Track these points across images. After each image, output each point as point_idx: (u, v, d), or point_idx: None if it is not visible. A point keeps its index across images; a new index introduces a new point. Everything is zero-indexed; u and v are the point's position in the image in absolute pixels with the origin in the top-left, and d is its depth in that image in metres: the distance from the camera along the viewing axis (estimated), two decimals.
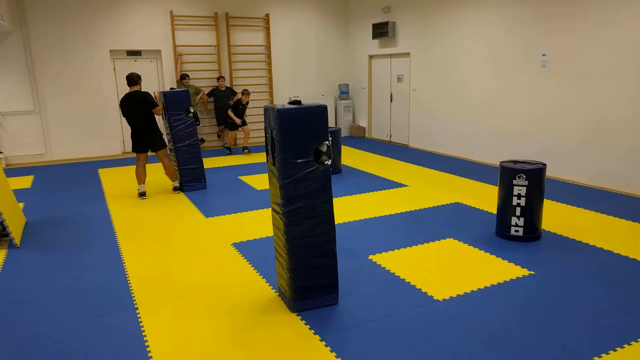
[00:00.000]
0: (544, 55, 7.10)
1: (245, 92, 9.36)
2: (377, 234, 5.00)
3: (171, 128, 6.76)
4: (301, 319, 3.33)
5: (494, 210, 5.29)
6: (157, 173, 7.89)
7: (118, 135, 9.92)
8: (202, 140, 10.00)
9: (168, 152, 6.88)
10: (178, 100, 6.75)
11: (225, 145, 10.46)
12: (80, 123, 9.54)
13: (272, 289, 3.82)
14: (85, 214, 5.95)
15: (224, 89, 10.10)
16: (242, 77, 10.72)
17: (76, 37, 9.24)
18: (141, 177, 6.59)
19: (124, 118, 6.44)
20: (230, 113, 9.36)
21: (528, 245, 4.59)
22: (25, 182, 7.76)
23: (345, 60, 11.92)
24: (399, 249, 4.57)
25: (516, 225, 4.64)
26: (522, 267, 4.09)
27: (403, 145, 10.42)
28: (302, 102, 3.28)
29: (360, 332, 3.16)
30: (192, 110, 6.86)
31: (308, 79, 11.55)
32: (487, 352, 2.91)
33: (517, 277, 3.90)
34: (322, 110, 3.23)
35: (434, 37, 9.16)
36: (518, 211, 4.59)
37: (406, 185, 6.97)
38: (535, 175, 4.52)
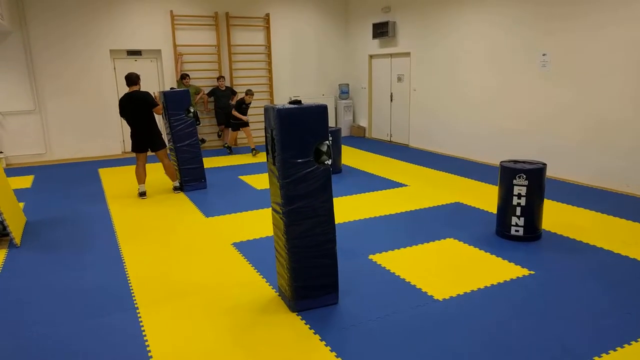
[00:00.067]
0: (544, 55, 7.10)
1: (249, 92, 9.34)
2: (377, 234, 5.00)
3: (171, 128, 6.76)
4: (301, 319, 3.33)
5: (494, 210, 5.29)
6: (157, 173, 7.89)
7: (118, 135, 9.92)
8: (203, 140, 10.00)
9: (168, 152, 6.88)
10: (178, 100, 6.75)
11: (226, 145, 10.46)
12: (81, 123, 9.54)
13: (272, 288, 3.82)
14: (85, 214, 5.95)
15: (224, 88, 10.10)
16: (242, 76, 10.72)
17: (76, 37, 9.24)
18: (141, 177, 6.59)
19: (123, 118, 6.43)
20: (235, 113, 9.30)
21: (528, 245, 4.59)
22: (25, 181, 7.76)
23: (345, 60, 11.92)
24: (399, 248, 4.57)
25: (516, 225, 4.64)
26: (522, 267, 4.09)
27: (403, 145, 10.42)
28: (302, 101, 3.28)
29: (361, 331, 3.16)
30: (192, 110, 6.86)
31: (308, 78, 11.55)
32: (487, 352, 2.91)
33: (517, 277, 3.90)
34: (322, 110, 3.23)
35: (434, 37, 9.16)
36: (518, 211, 4.59)
37: (406, 185, 6.97)
38: (535, 175, 4.52)
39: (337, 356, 2.91)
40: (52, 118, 9.32)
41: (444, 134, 9.29)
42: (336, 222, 5.14)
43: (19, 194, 6.89)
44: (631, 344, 2.96)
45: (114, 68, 9.69)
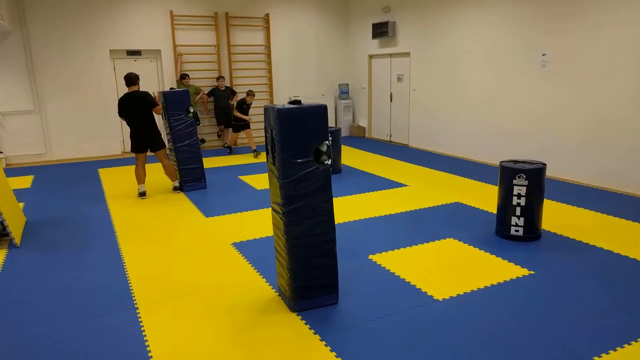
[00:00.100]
0: (543, 55, 7.10)
1: (250, 93, 9.32)
2: (377, 234, 5.00)
3: (171, 128, 6.76)
4: (301, 319, 3.33)
5: (494, 210, 5.29)
6: (157, 173, 7.89)
7: (118, 135, 9.92)
8: (203, 141, 9.99)
9: (168, 152, 6.88)
10: (178, 100, 6.75)
11: (226, 145, 10.46)
12: (80, 123, 9.54)
13: (272, 288, 3.82)
14: (85, 214, 5.95)
15: (223, 88, 10.10)
16: (242, 77, 10.72)
17: (76, 37, 9.24)
18: (141, 177, 6.59)
19: (122, 118, 6.42)
20: (237, 113, 9.27)
21: (528, 245, 4.59)
22: (25, 182, 7.76)
23: (345, 60, 11.92)
24: (399, 248, 4.57)
25: (516, 225, 4.64)
26: (522, 267, 4.09)
27: (403, 145, 10.42)
28: (302, 101, 3.28)
29: (360, 331, 3.16)
30: (191, 110, 6.86)
31: (308, 78, 11.55)
32: (487, 352, 2.91)
33: (517, 277, 3.90)
34: (322, 110, 3.23)
35: (434, 37, 9.16)
36: (518, 211, 4.59)
37: (406, 185, 6.97)
38: (535, 175, 4.52)
39: (337, 356, 2.91)
40: (52, 118, 9.32)
41: (443, 134, 9.29)
42: (336, 222, 5.14)
43: (19, 194, 6.89)
44: (631, 344, 2.96)
45: (114, 68, 9.69)
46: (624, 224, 5.13)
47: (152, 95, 6.51)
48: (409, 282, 3.87)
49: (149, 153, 6.59)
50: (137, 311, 3.51)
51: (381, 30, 10.22)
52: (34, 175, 8.21)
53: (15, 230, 4.95)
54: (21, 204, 6.38)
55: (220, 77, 10.06)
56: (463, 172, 7.70)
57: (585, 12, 6.46)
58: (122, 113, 6.34)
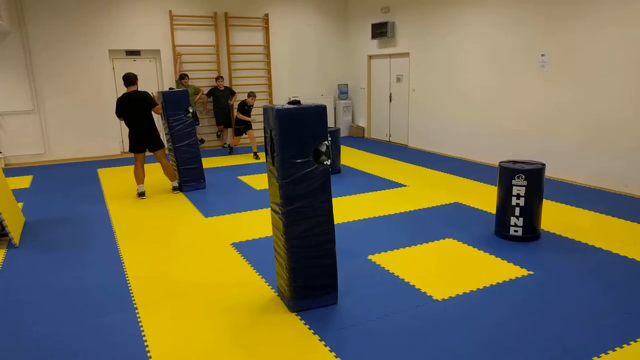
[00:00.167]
0: (542, 55, 7.11)
1: (252, 94, 9.30)
2: (376, 234, 5.00)
3: (170, 128, 6.76)
4: (300, 319, 3.33)
5: (493, 211, 5.29)
6: (156, 173, 7.88)
7: (117, 135, 9.91)
8: (202, 141, 10.00)
9: (167, 152, 6.88)
10: (177, 100, 6.74)
11: (225, 145, 10.47)
12: (80, 123, 9.53)
13: (272, 289, 3.82)
14: (84, 214, 5.95)
15: (222, 88, 10.10)
16: (241, 77, 10.72)
17: (75, 37, 9.23)
18: (140, 177, 6.58)
19: (119, 118, 6.40)
20: (239, 115, 9.23)
21: (527, 245, 4.59)
22: (24, 182, 7.75)
23: (344, 60, 11.93)
24: (398, 249, 4.57)
25: (515, 225, 4.64)
26: (522, 267, 4.09)
27: (402, 145, 10.43)
28: (302, 102, 3.28)
29: (360, 332, 3.16)
30: (191, 110, 6.85)
31: (307, 79, 11.55)
32: (487, 352, 2.91)
33: (517, 277, 3.91)
34: (321, 110, 3.23)
35: (434, 37, 9.17)
36: (517, 211, 4.60)
37: (405, 185, 6.97)
38: (534, 175, 4.52)
39: (336, 356, 2.91)
40: (51, 118, 9.32)
41: (443, 134, 9.29)
42: (335, 222, 5.14)
43: (18, 194, 6.88)
44: (630, 344, 2.97)
45: (113, 68, 9.68)
46: (622, 224, 5.14)
47: (151, 95, 6.51)
48: (408, 282, 3.87)
49: (148, 153, 6.59)
50: (137, 311, 3.51)
51: (380, 31, 10.23)
52: (33, 175, 8.21)
53: (14, 230, 4.95)
54: (20, 204, 6.38)
55: (219, 77, 10.06)
56: (462, 172, 7.70)
57: (585, 12, 6.47)
58: (120, 113, 6.33)
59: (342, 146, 9.49)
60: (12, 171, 8.53)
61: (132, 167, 6.78)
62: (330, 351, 2.96)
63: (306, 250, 3.36)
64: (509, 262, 4.21)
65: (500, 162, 4.76)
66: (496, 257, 4.33)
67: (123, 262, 4.43)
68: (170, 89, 7.13)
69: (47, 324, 3.37)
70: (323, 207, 3.34)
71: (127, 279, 4.08)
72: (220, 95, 10.10)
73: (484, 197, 6.19)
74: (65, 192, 7.05)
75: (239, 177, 7.74)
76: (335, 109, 12.00)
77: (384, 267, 4.15)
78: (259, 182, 7.36)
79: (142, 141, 6.42)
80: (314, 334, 3.15)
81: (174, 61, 9.94)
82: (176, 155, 6.84)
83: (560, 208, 5.73)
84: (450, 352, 2.92)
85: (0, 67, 8.83)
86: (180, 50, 10.00)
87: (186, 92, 6.86)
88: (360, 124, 11.94)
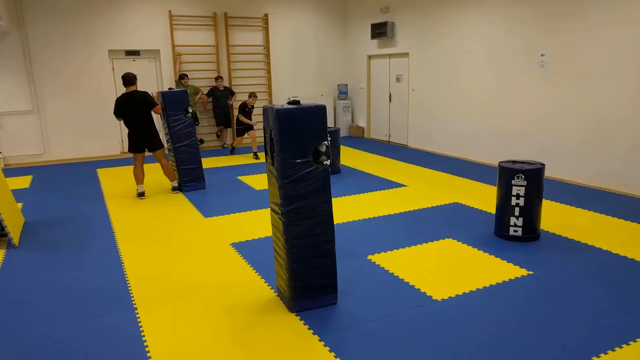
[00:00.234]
0: (542, 55, 7.11)
1: (252, 95, 9.27)
2: (376, 234, 5.00)
3: (170, 128, 6.75)
4: (300, 319, 3.33)
5: (493, 211, 5.29)
6: (155, 173, 7.88)
7: (117, 135, 9.91)
8: (202, 141, 10.00)
9: (166, 152, 6.87)
10: (176, 100, 6.74)
11: (225, 145, 10.48)
12: (79, 123, 9.53)
13: (271, 289, 3.82)
14: (84, 214, 5.94)
15: (222, 88, 10.10)
16: (241, 77, 10.72)
17: (75, 36, 9.23)
18: (139, 177, 6.58)
19: (118, 118, 6.38)
20: (241, 117, 9.20)
21: (527, 245, 4.59)
22: (23, 182, 7.75)
23: (344, 60, 11.92)
24: (398, 249, 4.57)
25: (515, 225, 4.64)
26: (521, 267, 4.09)
27: (402, 146, 10.43)
28: (301, 102, 3.28)
29: (359, 332, 3.16)
30: (190, 110, 6.85)
31: (307, 79, 11.55)
32: (486, 352, 2.91)
33: (516, 277, 3.91)
34: (321, 110, 3.23)
35: (433, 37, 9.17)
36: (517, 211, 4.60)
37: (405, 186, 6.97)
38: (534, 175, 4.52)
39: (336, 356, 2.90)
40: (51, 118, 9.31)
41: (442, 134, 9.29)
42: (335, 223, 5.13)
43: (17, 194, 6.87)
44: (630, 344, 2.97)
45: (113, 68, 9.68)
46: (622, 224, 5.14)
47: (151, 95, 6.50)
48: (408, 282, 3.87)
49: (147, 153, 6.59)
50: (136, 311, 3.51)
51: (380, 31, 10.23)
52: (32, 176, 8.20)
53: (14, 230, 4.95)
54: (20, 204, 6.37)
55: (219, 77, 10.07)
56: (462, 172, 7.70)
57: (585, 12, 6.47)
58: (119, 113, 6.31)
59: (341, 146, 9.49)
60: (11, 171, 8.53)
61: (132, 167, 6.78)
62: (330, 351, 2.96)
63: (306, 251, 3.36)
64: (508, 262, 4.21)
65: (500, 162, 4.76)
66: (496, 257, 4.33)
67: (123, 262, 4.43)
68: (169, 89, 7.13)
69: (46, 324, 3.37)
70: (323, 207, 3.34)
71: (126, 279, 4.08)
72: (220, 96, 10.10)
73: (483, 197, 6.19)
74: (64, 192, 7.05)
75: (239, 177, 7.74)
76: (334, 109, 12.00)
77: (383, 267, 4.15)
78: (259, 182, 7.36)
79: (141, 141, 6.42)
80: (313, 334, 3.15)
81: (174, 61, 9.94)
82: (176, 156, 6.84)
83: (560, 208, 5.73)
84: (450, 352, 2.92)
85: (0, 67, 8.83)
86: (180, 50, 10.00)
87: (186, 92, 6.86)
88: (359, 124, 11.94)
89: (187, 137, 6.85)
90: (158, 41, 9.85)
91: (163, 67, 10.02)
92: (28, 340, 3.16)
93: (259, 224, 5.38)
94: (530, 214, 4.60)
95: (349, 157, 9.19)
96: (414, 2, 9.52)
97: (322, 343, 3.05)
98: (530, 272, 3.99)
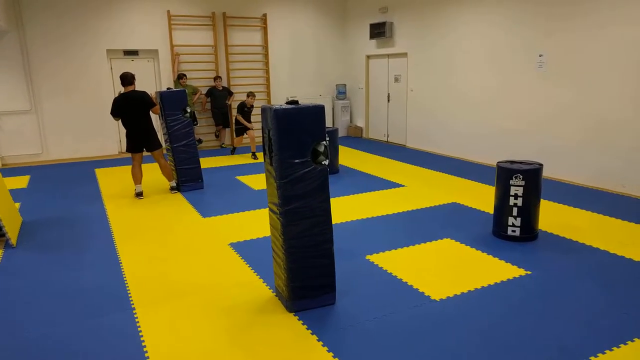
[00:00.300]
0: (540, 55, 7.12)
1: (251, 95, 9.25)
2: (374, 234, 5.00)
3: (168, 128, 6.75)
4: (298, 319, 3.33)
5: (491, 211, 5.30)
6: (153, 173, 7.87)
7: (115, 135, 9.89)
8: (200, 141, 9.99)
9: (164, 152, 6.87)
10: (175, 100, 6.73)
11: (223, 145, 10.48)
12: (77, 123, 9.51)
13: (270, 289, 3.81)
14: (82, 214, 5.93)
15: (221, 88, 10.10)
16: (239, 77, 10.71)
17: (73, 36, 9.21)
18: (137, 177, 6.57)
19: (115, 118, 6.35)
20: (240, 118, 9.18)
21: (525, 245, 4.59)
22: (21, 182, 7.73)
23: (342, 60, 11.92)
24: (396, 249, 4.57)
25: (513, 225, 4.65)
26: (519, 267, 4.09)
27: (400, 146, 10.43)
28: (300, 102, 3.28)
29: (358, 332, 3.16)
30: (189, 110, 6.85)
31: (305, 79, 11.55)
32: (485, 352, 2.91)
33: (514, 277, 3.91)
34: (319, 110, 3.23)
35: (432, 37, 9.17)
36: (515, 211, 4.60)
37: (403, 186, 6.98)
38: (532, 175, 4.53)
39: (334, 356, 2.90)
40: (49, 118, 9.29)
41: (441, 135, 9.30)
42: (334, 222, 5.14)
43: (15, 194, 6.86)
44: (627, 343, 2.97)
45: (111, 68, 9.66)
46: (620, 224, 5.15)
47: (150, 95, 6.49)
48: (407, 282, 3.87)
49: (145, 153, 6.58)
50: (134, 311, 3.50)
51: (379, 31, 10.23)
52: (30, 176, 8.19)
53: (11, 230, 4.94)
54: (17, 204, 6.36)
55: (217, 77, 10.06)
56: (460, 172, 7.71)
57: (585, 12, 6.48)
58: (117, 113, 6.30)
59: (340, 146, 9.48)
60: (9, 171, 8.51)
61: (130, 167, 6.77)
62: (328, 351, 2.96)
63: (304, 251, 3.35)
64: (506, 262, 4.21)
65: (498, 162, 4.77)
66: (494, 257, 4.33)
67: (121, 262, 4.42)
68: (168, 88, 7.12)
69: (44, 324, 3.37)
70: (321, 207, 3.34)
71: (124, 279, 4.07)
72: (219, 96, 10.10)
73: (482, 197, 6.20)
74: (62, 192, 7.04)
75: (237, 177, 7.74)
76: (333, 109, 12.00)
77: (382, 267, 4.15)
78: (257, 182, 7.35)
79: (139, 141, 6.41)
80: (312, 334, 3.15)
81: (172, 61, 9.93)
82: (174, 155, 6.84)
83: (558, 208, 5.74)
84: (448, 352, 2.92)
85: None
86: (178, 50, 9.99)
87: (184, 92, 6.85)
88: (358, 124, 11.94)
89: (186, 137, 6.84)
90: (156, 41, 9.84)
91: (161, 67, 10.00)
92: (26, 341, 3.16)
93: (258, 224, 5.37)
94: (528, 214, 4.61)
95: (348, 157, 9.19)
96: (412, 2, 9.53)
97: (321, 343, 3.04)
98: (528, 272, 4.00)
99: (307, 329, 3.21)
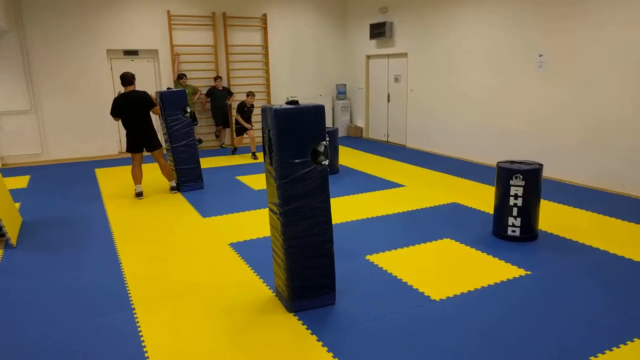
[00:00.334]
0: (540, 55, 7.12)
1: (250, 94, 9.23)
2: (374, 234, 5.00)
3: (168, 128, 6.75)
4: (298, 319, 3.33)
5: (491, 211, 5.30)
6: (153, 173, 7.87)
7: (115, 135, 9.89)
8: (200, 141, 9.99)
9: (164, 152, 6.87)
10: (175, 100, 6.73)
11: (223, 145, 10.47)
12: (77, 123, 9.51)
13: (270, 289, 3.81)
14: (82, 214, 5.93)
15: (221, 88, 10.10)
16: (239, 77, 10.71)
17: (73, 36, 9.21)
18: (137, 177, 6.57)
19: (115, 118, 6.35)
20: (238, 118, 9.18)
21: (525, 245, 4.59)
22: (21, 182, 7.73)
23: (342, 60, 11.92)
24: (396, 249, 4.57)
25: (513, 225, 4.65)
26: (519, 267, 4.09)
27: (400, 146, 10.43)
28: (300, 102, 3.28)
29: (358, 332, 3.16)
30: (189, 110, 6.85)
31: (305, 79, 11.54)
32: (485, 352, 2.91)
33: (514, 277, 3.91)
34: (319, 110, 3.23)
35: (432, 37, 9.17)
36: (515, 211, 4.60)
37: (403, 186, 6.98)
38: (531, 175, 4.53)
39: (334, 356, 2.90)
40: (49, 118, 9.29)
41: (441, 135, 9.30)
42: (333, 222, 5.14)
43: (15, 194, 6.86)
44: (627, 343, 2.97)
45: (111, 68, 9.66)
46: (620, 224, 5.15)
47: (150, 95, 6.49)
48: (406, 282, 3.87)
49: (145, 153, 6.58)
50: (134, 311, 3.50)
51: (379, 31, 10.23)
52: (30, 175, 8.19)
53: (12, 230, 4.94)
54: (17, 204, 6.35)
55: (218, 77, 10.06)
56: (460, 172, 7.71)
57: (585, 12, 6.47)
58: (116, 113, 6.30)
59: (340, 146, 9.47)
60: (9, 171, 8.51)
61: (130, 167, 6.77)
62: (328, 351, 2.96)
63: (304, 251, 3.35)
64: (506, 262, 4.21)
65: (498, 162, 4.77)
66: (494, 257, 4.33)
67: (121, 262, 4.42)
68: (168, 88, 7.13)
69: (44, 324, 3.37)
70: (321, 207, 3.34)
71: (124, 279, 4.07)
72: (219, 96, 10.10)
73: (482, 198, 6.20)
74: (62, 192, 7.04)
75: (237, 177, 7.74)
76: (333, 109, 12.00)
77: (382, 267, 4.15)
78: (257, 182, 7.35)
79: (139, 141, 6.41)
80: (311, 334, 3.15)
81: (172, 61, 9.92)
82: (174, 155, 6.84)
83: (558, 208, 5.74)
84: (448, 352, 2.92)
85: None
86: (179, 50, 9.98)
87: (184, 92, 6.85)
88: (358, 124, 11.94)
89: (186, 137, 6.84)
90: (156, 41, 9.84)
91: (161, 67, 10.00)
92: (26, 340, 3.16)
93: (257, 224, 5.37)
94: (528, 214, 4.61)
95: (348, 157, 9.19)
96: (412, 2, 9.52)
97: (321, 343, 3.04)
98: (528, 272, 4.00)
99: (307, 329, 3.21)
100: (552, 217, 5.38)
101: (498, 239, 4.75)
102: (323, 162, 3.27)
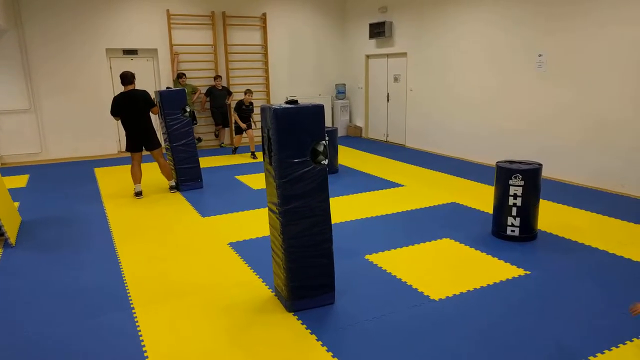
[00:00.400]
0: (540, 55, 7.12)
1: (248, 92, 9.21)
2: (374, 234, 5.00)
3: (167, 127, 6.74)
4: (298, 319, 3.33)
5: (491, 210, 5.30)
6: (153, 172, 7.86)
7: (114, 134, 9.88)
8: (199, 140, 9.99)
9: (164, 151, 6.86)
10: (174, 99, 6.73)
11: (223, 144, 10.47)
12: (76, 122, 9.50)
13: (269, 288, 3.81)
14: (81, 214, 5.93)
15: (220, 88, 10.09)
16: (238, 76, 10.70)
17: (72, 35, 9.20)
18: (137, 177, 6.56)
19: (115, 117, 6.33)
20: (235, 117, 9.17)
21: (524, 245, 4.60)
22: (20, 181, 7.72)
23: (342, 60, 11.92)
24: (395, 248, 4.57)
25: (512, 225, 4.65)
26: (519, 267, 4.09)
27: (400, 145, 10.43)
28: (299, 101, 3.28)
29: (357, 331, 3.16)
30: (188, 110, 6.84)
31: (305, 78, 11.54)
32: (484, 352, 2.91)
33: (514, 277, 3.91)
34: (318, 109, 3.23)
35: (431, 37, 9.17)
36: (514, 211, 4.60)
37: (403, 185, 6.98)
38: (531, 175, 4.53)
39: (333, 356, 2.90)
40: (48, 117, 9.28)
41: (440, 134, 9.30)
42: (333, 222, 5.13)
43: (14, 193, 6.85)
44: (626, 343, 2.97)
45: (110, 67, 9.66)
46: (619, 224, 5.15)
47: (150, 95, 6.48)
48: (406, 282, 3.87)
49: (144, 152, 6.57)
50: (134, 311, 3.50)
51: (378, 31, 10.23)
52: (29, 175, 8.18)
53: (10, 230, 4.93)
54: (16, 204, 6.35)
55: (217, 77, 10.06)
56: (460, 172, 7.71)
57: (585, 11, 6.47)
58: (116, 112, 6.29)
59: (339, 146, 9.46)
60: (8, 170, 8.50)
61: (129, 166, 6.76)
62: (328, 351, 2.96)
63: (303, 250, 3.35)
64: (506, 262, 4.21)
65: (498, 162, 4.77)
66: (493, 257, 4.33)
67: (120, 262, 4.42)
68: (167, 88, 7.12)
69: (44, 323, 3.36)
70: (320, 206, 3.33)
71: (124, 278, 4.07)
72: (218, 95, 10.09)
73: (481, 197, 6.20)
74: (61, 191, 7.03)
75: (237, 177, 7.73)
76: (332, 108, 11.99)
77: (381, 267, 4.15)
78: (257, 181, 7.35)
79: (139, 140, 6.40)
80: (311, 333, 3.15)
81: (172, 60, 9.92)
82: (173, 155, 6.83)
83: (558, 208, 5.74)
84: (447, 352, 2.92)
85: None
86: (178, 49, 9.98)
87: (183, 91, 6.85)
88: (357, 123, 11.94)
89: (185, 136, 6.84)
90: (156, 40, 9.83)
91: (161, 66, 9.99)
92: (25, 340, 3.15)
93: (257, 223, 5.37)
94: (528, 214, 4.61)
95: (347, 156, 9.19)
96: (412, 2, 9.52)
97: (320, 343, 3.04)
98: (528, 272, 4.00)
99: (307, 328, 3.21)
100: (551, 217, 5.38)
101: (497, 239, 4.75)
102: (322, 162, 3.27)
